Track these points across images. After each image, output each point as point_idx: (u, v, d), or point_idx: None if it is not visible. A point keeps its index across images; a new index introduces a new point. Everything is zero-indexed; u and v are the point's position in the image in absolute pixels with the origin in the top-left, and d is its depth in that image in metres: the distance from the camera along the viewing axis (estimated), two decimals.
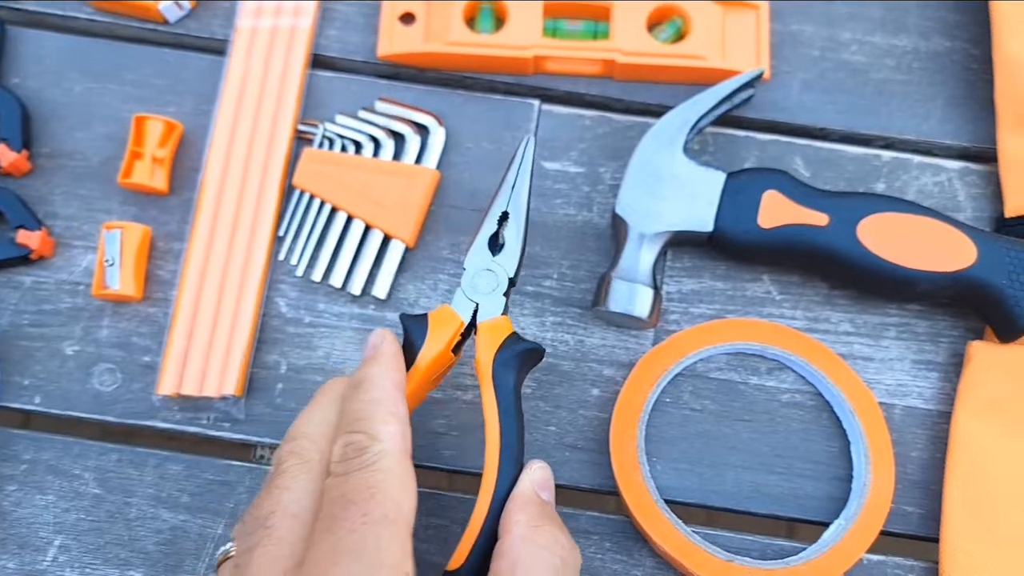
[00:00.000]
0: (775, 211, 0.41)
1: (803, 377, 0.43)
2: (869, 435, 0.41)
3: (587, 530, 0.41)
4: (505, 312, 0.38)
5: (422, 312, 0.41)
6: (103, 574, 0.40)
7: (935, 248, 0.40)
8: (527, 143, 0.38)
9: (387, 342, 0.35)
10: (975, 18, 0.47)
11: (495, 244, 0.38)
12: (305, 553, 0.29)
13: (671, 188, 0.41)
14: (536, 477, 0.34)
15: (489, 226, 0.38)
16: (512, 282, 0.38)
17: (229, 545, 0.32)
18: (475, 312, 0.38)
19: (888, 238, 0.40)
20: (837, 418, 0.43)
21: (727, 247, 0.42)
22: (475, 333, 0.37)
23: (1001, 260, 0.40)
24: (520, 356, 0.36)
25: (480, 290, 0.38)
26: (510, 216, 0.38)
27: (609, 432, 0.41)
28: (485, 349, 0.37)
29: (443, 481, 0.43)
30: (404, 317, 0.39)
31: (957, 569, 0.40)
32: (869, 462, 0.41)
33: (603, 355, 0.43)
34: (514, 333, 0.36)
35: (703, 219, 0.41)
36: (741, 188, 0.41)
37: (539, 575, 0.31)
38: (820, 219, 0.41)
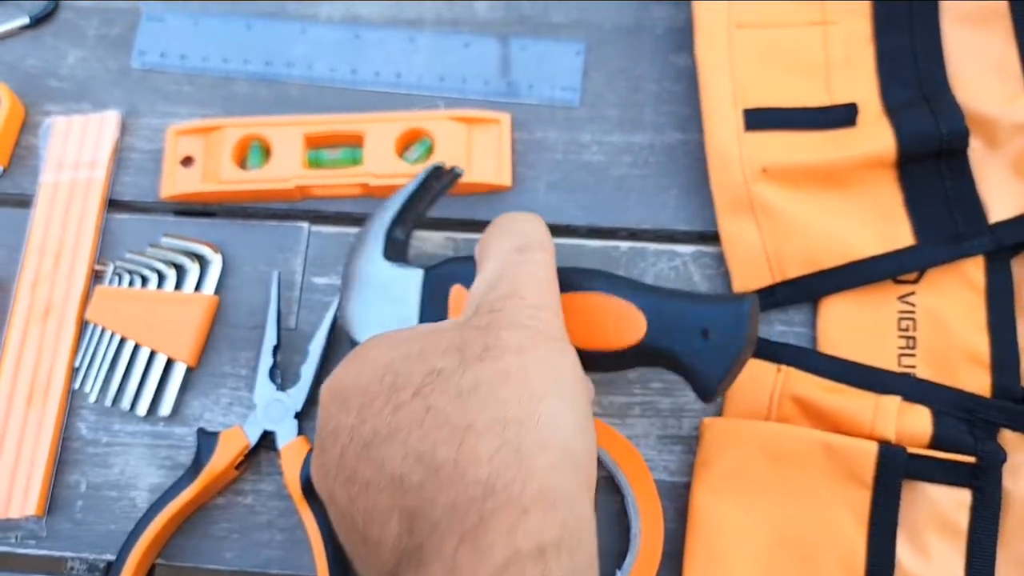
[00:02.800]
0: (462, 305, 0.41)
1: None
2: (635, 487, 0.45)
3: None
4: (301, 433, 0.46)
5: (215, 431, 0.46)
6: None
7: (606, 324, 0.39)
8: (275, 278, 0.48)
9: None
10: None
11: (275, 376, 0.47)
12: None
13: (375, 294, 0.42)
14: None
15: (266, 360, 0.47)
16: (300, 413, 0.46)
17: None
18: (264, 435, 0.46)
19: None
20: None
21: None
22: (278, 456, 0.45)
23: (672, 325, 0.38)
24: None
25: (273, 418, 0.46)
26: (309, 354, 0.47)
27: None
28: (290, 469, 0.44)
29: None
30: (200, 432, 0.46)
31: None
32: (639, 514, 0.44)
33: None
34: (311, 448, 0.42)
35: (408, 320, 0.42)
36: (435, 283, 0.41)
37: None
38: None
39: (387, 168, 0.50)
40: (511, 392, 0.30)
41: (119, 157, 0.53)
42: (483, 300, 0.34)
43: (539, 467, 0.29)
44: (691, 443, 0.47)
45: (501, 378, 0.30)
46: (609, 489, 0.46)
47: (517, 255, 0.35)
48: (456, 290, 0.41)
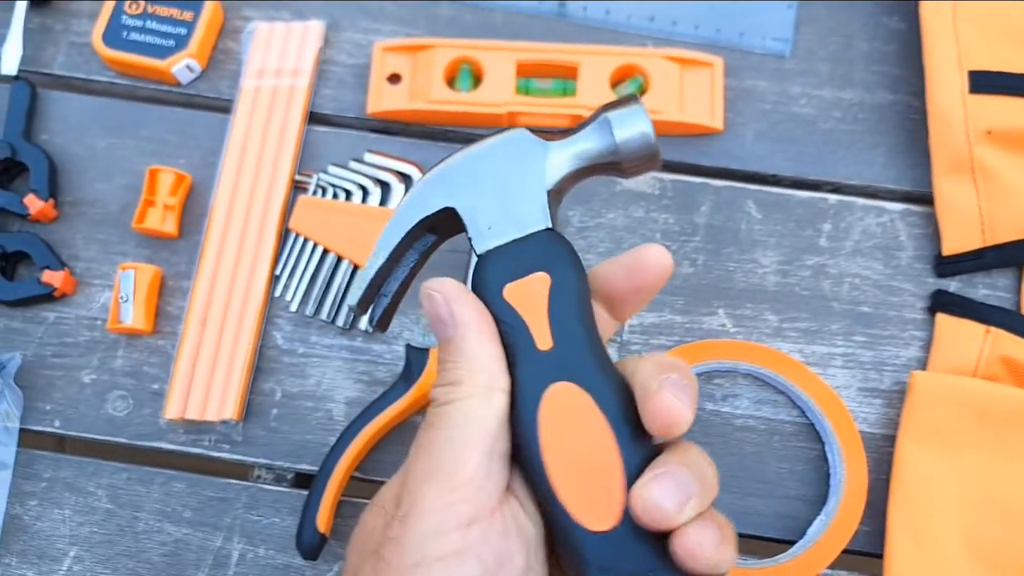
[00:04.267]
0: None
1: (770, 385, 0.47)
2: (839, 435, 0.45)
3: None
4: None
5: (423, 347, 0.46)
6: None
7: None
8: None
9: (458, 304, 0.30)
10: (916, 73, 0.51)
11: None
12: None
13: None
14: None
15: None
16: None
17: None
18: None
19: None
20: (787, 439, 0.46)
21: None
22: None
23: None
24: None
25: None
26: None
27: None
28: None
29: None
30: (409, 348, 0.45)
31: None
32: (843, 460, 0.44)
33: None
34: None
35: None
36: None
37: None
38: None
39: (601, 101, 0.50)
40: None
41: (320, 68, 0.52)
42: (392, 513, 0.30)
43: None
44: (891, 397, 0.47)
45: None
46: (809, 436, 0.47)
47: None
48: None
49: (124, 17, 0.51)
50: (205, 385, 0.47)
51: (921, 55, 0.50)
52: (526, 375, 0.30)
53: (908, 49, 0.52)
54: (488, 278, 0.31)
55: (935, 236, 0.49)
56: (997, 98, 0.48)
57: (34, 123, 0.51)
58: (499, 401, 0.29)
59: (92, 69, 0.53)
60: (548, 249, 0.31)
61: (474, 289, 0.31)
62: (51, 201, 0.49)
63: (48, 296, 0.48)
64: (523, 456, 0.30)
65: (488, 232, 0.31)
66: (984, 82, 0.48)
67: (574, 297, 0.30)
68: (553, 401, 0.30)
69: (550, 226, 0.31)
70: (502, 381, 0.29)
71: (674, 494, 0.27)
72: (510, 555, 0.28)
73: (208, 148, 0.51)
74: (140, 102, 0.52)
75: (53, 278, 0.47)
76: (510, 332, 0.30)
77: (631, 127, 0.31)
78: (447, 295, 0.30)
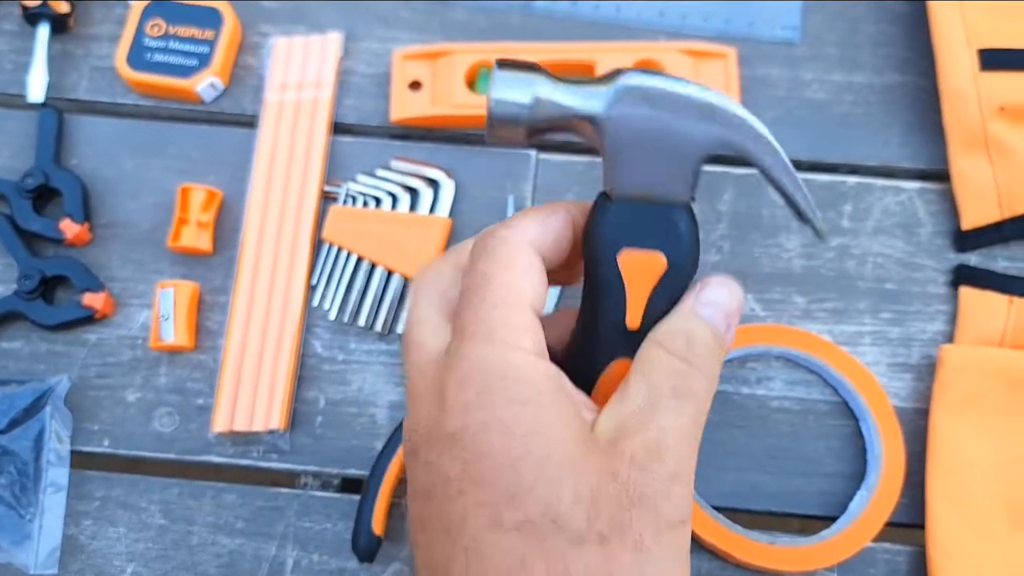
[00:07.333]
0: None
1: (802, 366, 0.48)
2: (874, 410, 0.46)
3: None
4: None
5: None
6: None
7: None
8: (510, 202, 0.47)
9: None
10: (922, 53, 0.52)
11: None
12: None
13: None
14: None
15: None
16: None
17: None
18: None
19: None
20: (822, 418, 0.47)
21: None
22: None
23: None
24: None
25: None
26: None
27: None
28: None
29: None
30: None
31: (942, 553, 0.44)
32: (879, 434, 0.46)
33: None
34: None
35: None
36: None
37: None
38: None
39: None
40: None
41: (340, 79, 0.53)
42: (626, 436, 0.29)
43: None
44: (920, 371, 0.48)
45: None
46: (843, 414, 0.48)
47: (672, 398, 0.30)
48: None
49: (147, 39, 0.52)
50: (250, 397, 0.47)
51: (927, 35, 0.51)
52: (603, 343, 0.30)
53: (914, 30, 0.53)
54: (609, 231, 0.30)
55: (953, 212, 0.50)
56: (1008, 74, 0.49)
57: (63, 148, 0.52)
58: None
59: (116, 92, 0.53)
60: (677, 231, 0.30)
61: (590, 228, 0.30)
62: (86, 225, 0.50)
63: (89, 318, 0.48)
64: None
65: (628, 174, 0.30)
66: (994, 59, 0.49)
67: (680, 290, 0.31)
68: (614, 375, 0.30)
69: (691, 200, 0.31)
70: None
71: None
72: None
73: (236, 164, 0.52)
74: (165, 121, 0.53)
75: (94, 300, 0.48)
76: (605, 296, 0.30)
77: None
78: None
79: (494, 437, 0.28)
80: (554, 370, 0.30)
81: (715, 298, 0.31)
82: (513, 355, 0.29)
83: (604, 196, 0.31)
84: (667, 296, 0.30)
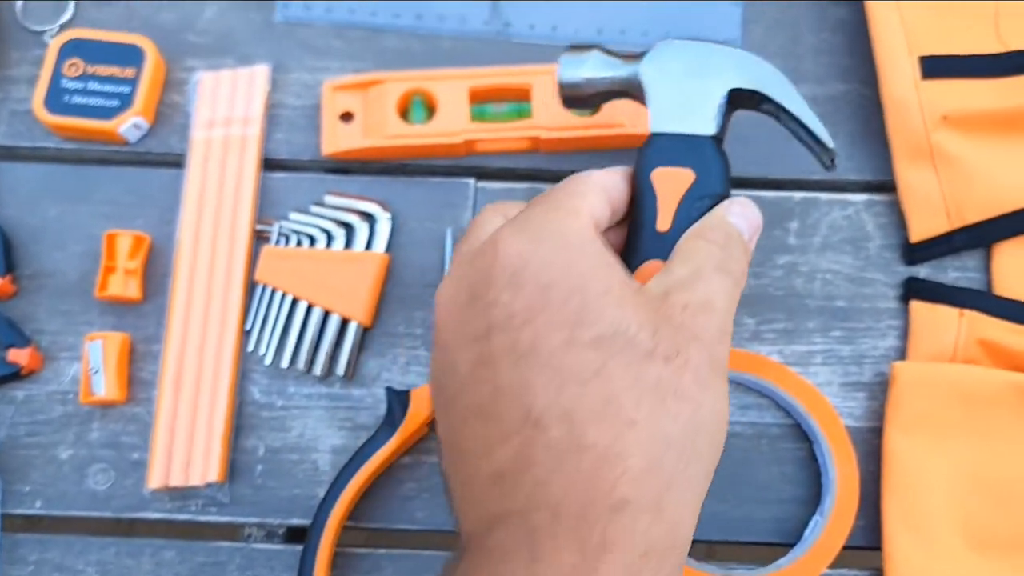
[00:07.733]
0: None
1: (753, 390, 0.47)
2: (827, 432, 0.45)
3: None
4: None
5: (404, 389, 0.45)
6: None
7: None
8: (448, 235, 0.47)
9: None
10: (863, 61, 0.51)
11: None
12: None
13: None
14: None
15: None
16: None
17: None
18: None
19: None
20: (775, 442, 0.46)
21: None
22: None
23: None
24: None
25: None
26: None
27: None
28: None
29: (418, 541, 0.46)
30: (389, 391, 0.45)
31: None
32: (833, 457, 0.45)
33: None
34: None
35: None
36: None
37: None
38: None
39: (557, 121, 0.49)
40: (682, 414, 0.30)
41: (269, 114, 0.51)
42: (676, 292, 0.32)
43: (678, 503, 0.30)
44: (873, 389, 0.47)
45: (677, 396, 0.30)
46: (796, 436, 0.47)
47: (715, 272, 0.34)
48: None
49: (64, 80, 0.50)
50: (186, 449, 0.46)
51: (868, 42, 0.50)
52: (639, 243, 0.36)
53: (855, 38, 0.52)
54: (645, 155, 0.38)
55: (901, 224, 0.49)
56: (950, 81, 0.48)
57: None
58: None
59: (36, 136, 0.51)
60: (703, 154, 0.38)
61: (639, 159, 0.38)
62: (9, 276, 0.48)
63: (15, 375, 0.47)
64: None
65: (663, 113, 0.39)
66: (935, 67, 0.48)
67: (708, 200, 0.37)
68: (646, 273, 0.36)
69: (715, 133, 0.39)
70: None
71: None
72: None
73: (164, 205, 0.50)
74: (90, 165, 0.51)
75: (19, 356, 0.46)
76: (640, 205, 0.37)
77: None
78: None
79: (555, 271, 0.31)
80: (607, 243, 0.34)
81: (744, 211, 0.37)
82: (570, 220, 0.33)
83: (649, 136, 0.38)
84: (695, 204, 0.36)
